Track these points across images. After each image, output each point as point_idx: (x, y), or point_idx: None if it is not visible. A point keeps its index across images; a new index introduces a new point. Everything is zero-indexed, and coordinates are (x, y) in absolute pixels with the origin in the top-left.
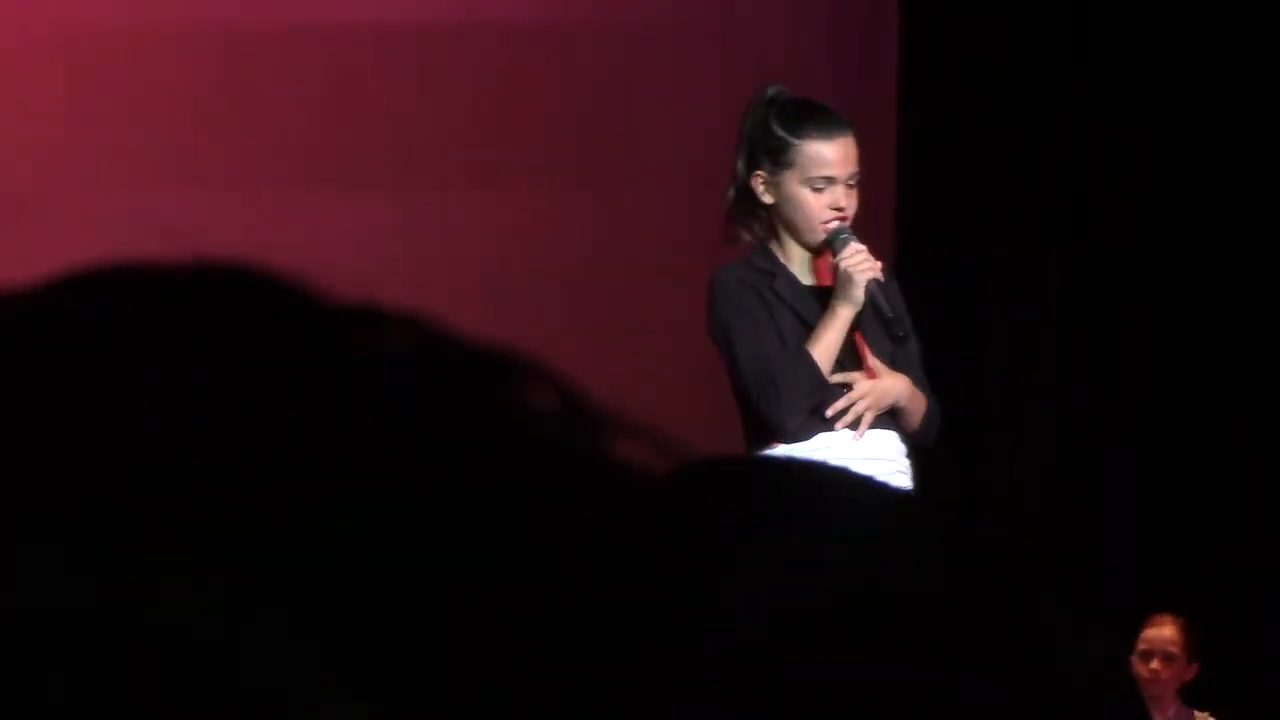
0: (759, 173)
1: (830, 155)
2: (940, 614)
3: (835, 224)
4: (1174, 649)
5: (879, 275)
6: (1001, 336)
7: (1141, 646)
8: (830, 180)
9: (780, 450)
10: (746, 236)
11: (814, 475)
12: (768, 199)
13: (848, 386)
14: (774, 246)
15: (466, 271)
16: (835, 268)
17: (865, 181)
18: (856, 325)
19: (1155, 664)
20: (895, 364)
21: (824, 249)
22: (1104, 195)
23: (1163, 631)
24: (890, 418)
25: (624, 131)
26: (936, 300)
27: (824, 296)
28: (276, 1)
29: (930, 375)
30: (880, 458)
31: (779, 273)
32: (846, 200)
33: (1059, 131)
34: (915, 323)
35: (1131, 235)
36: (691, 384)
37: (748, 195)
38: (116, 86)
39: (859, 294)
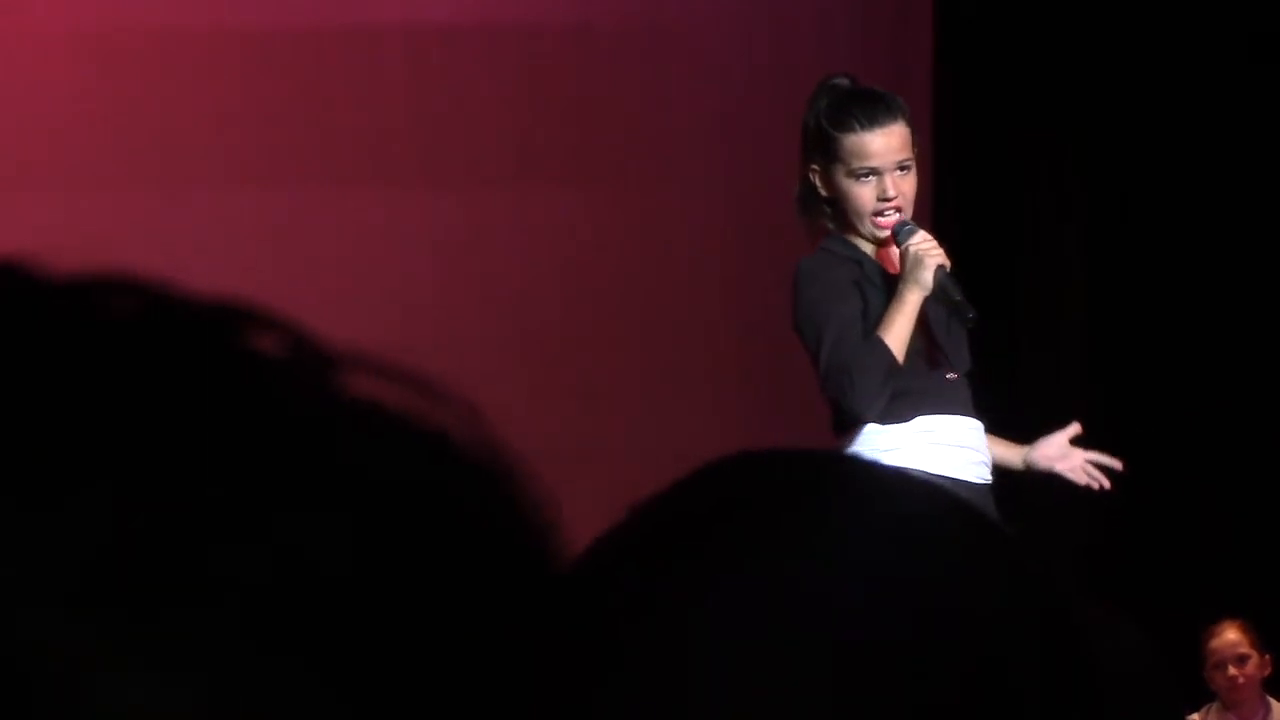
0: (813, 166)
1: (871, 146)
2: (995, 630)
3: (891, 214)
4: (1244, 650)
5: (946, 263)
6: (1028, 340)
7: (1212, 659)
8: (874, 171)
9: (877, 430)
10: (827, 225)
11: (876, 476)
12: (824, 191)
13: (924, 371)
14: (850, 235)
15: (496, 269)
16: (904, 253)
17: None
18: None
19: (1232, 669)
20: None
21: (888, 242)
22: (1133, 200)
23: (1227, 637)
24: (973, 408)
25: (652, 130)
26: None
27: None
28: (309, 2)
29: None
30: (969, 446)
31: (863, 259)
32: (896, 187)
33: (1090, 137)
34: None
35: (1160, 236)
36: (718, 380)
37: (810, 188)
38: (145, 85)
39: (928, 277)
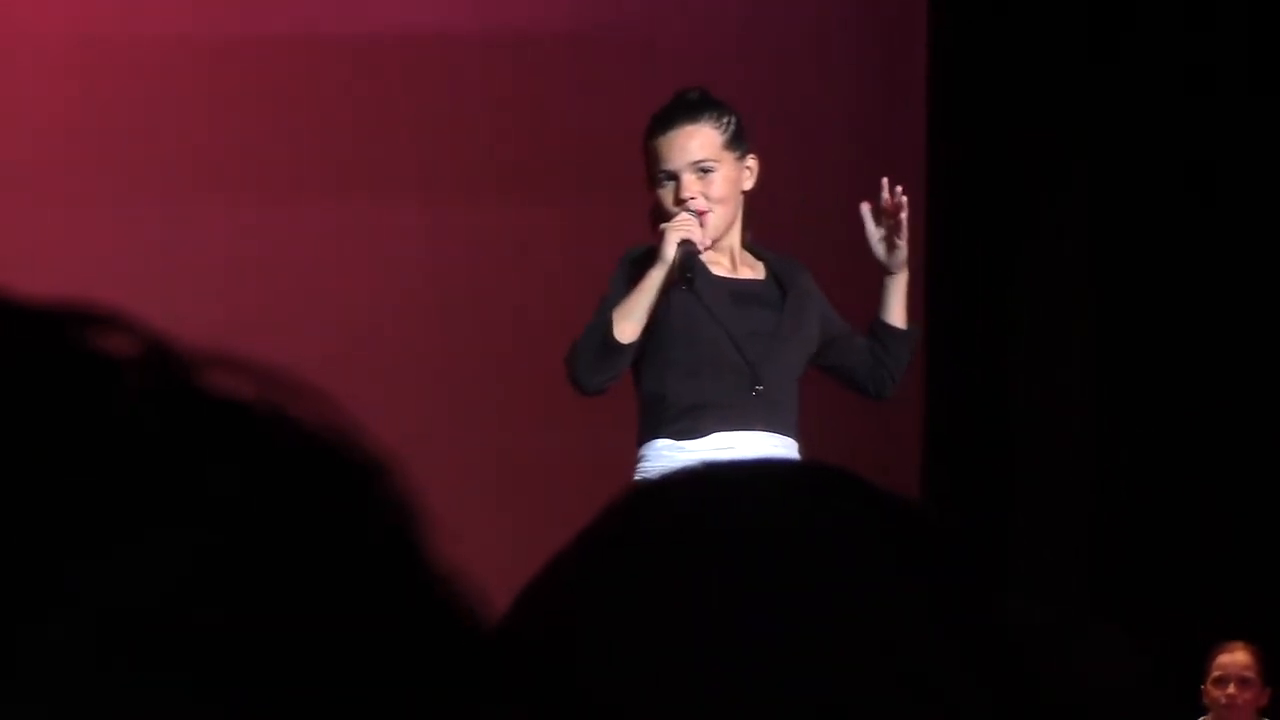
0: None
1: (663, 150)
2: (899, 623)
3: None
4: (1249, 674)
5: (697, 237)
6: (1029, 344)
7: (1216, 673)
8: (671, 175)
9: (673, 446)
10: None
11: (755, 482)
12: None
13: (726, 386)
14: None
15: (492, 279)
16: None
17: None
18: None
19: (1231, 689)
20: (840, 352)
21: (714, 245)
22: (1134, 201)
23: (1236, 657)
24: (784, 423)
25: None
26: (965, 304)
27: (729, 285)
28: (304, 12)
29: (960, 382)
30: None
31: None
32: (691, 189)
33: (1090, 138)
34: (943, 326)
35: (1161, 236)
36: None
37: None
38: (138, 93)
39: (669, 251)
